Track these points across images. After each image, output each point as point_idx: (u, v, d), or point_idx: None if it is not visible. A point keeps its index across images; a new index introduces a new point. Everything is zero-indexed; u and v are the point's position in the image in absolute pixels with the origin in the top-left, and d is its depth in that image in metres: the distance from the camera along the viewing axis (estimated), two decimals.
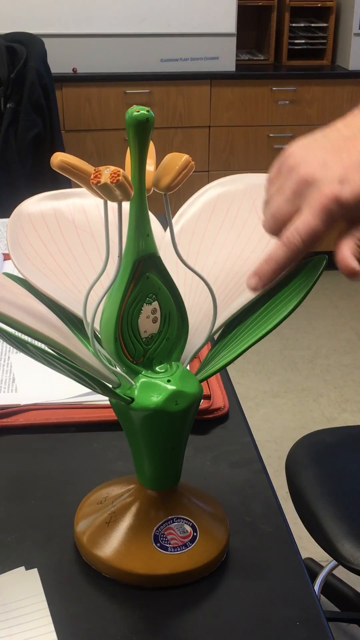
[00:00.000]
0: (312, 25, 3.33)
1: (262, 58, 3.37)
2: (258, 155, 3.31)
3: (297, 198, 0.59)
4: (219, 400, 0.88)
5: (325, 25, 3.30)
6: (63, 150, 2.77)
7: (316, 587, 1.66)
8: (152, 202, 0.60)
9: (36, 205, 0.72)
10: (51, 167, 0.57)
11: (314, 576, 1.68)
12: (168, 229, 0.70)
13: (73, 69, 3.05)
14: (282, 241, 0.59)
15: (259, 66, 3.34)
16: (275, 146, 3.29)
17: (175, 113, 3.17)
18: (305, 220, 0.57)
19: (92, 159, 3.17)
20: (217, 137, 3.25)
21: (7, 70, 2.49)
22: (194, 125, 3.21)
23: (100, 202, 0.61)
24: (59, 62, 2.91)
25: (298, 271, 0.66)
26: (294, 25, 3.29)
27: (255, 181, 0.72)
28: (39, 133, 2.58)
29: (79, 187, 0.60)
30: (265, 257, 0.60)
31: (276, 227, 0.60)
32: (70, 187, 0.80)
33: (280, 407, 2.50)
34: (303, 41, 3.32)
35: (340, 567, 1.61)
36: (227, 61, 3.15)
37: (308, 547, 1.46)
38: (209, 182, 0.73)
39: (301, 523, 1.24)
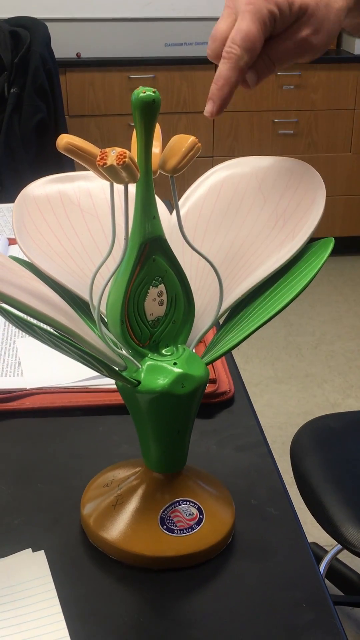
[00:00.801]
0: None
1: None
2: (262, 140, 3.30)
3: (232, 12, 0.60)
4: (225, 384, 0.88)
5: None
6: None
7: (321, 571, 1.66)
8: (157, 186, 0.60)
9: (42, 188, 0.72)
10: (55, 153, 0.58)
11: (318, 560, 1.69)
12: (174, 212, 0.69)
13: (77, 54, 3.04)
14: (222, 56, 0.60)
15: None
16: (280, 131, 3.28)
17: (180, 98, 3.16)
18: (237, 27, 0.59)
19: (96, 144, 3.11)
20: (222, 123, 3.24)
21: (11, 55, 2.48)
22: (198, 110, 3.20)
23: (106, 184, 0.60)
24: (62, 46, 2.90)
25: (304, 254, 0.66)
26: None
27: (261, 164, 0.72)
28: (43, 118, 2.57)
29: (84, 170, 0.60)
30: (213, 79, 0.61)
31: (216, 48, 0.62)
32: (73, 171, 0.79)
33: (285, 392, 2.50)
34: None
35: (344, 551, 1.62)
36: None
37: (312, 532, 1.47)
38: (212, 167, 0.73)
39: (305, 508, 1.25)
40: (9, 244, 1.24)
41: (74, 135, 0.58)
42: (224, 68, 0.60)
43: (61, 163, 2.47)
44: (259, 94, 3.21)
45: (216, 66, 0.64)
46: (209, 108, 0.62)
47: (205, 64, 3.10)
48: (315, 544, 1.75)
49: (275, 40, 0.63)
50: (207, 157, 3.21)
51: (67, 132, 2.70)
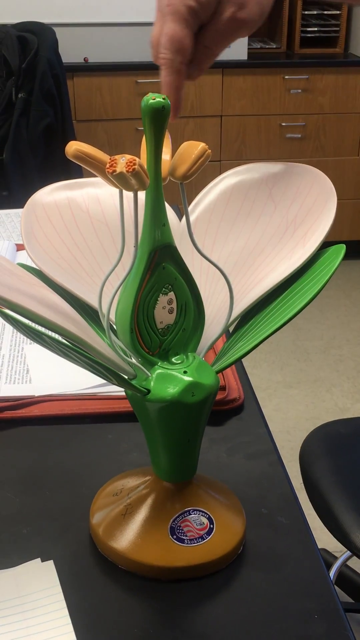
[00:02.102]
0: (325, 12, 3.31)
1: (274, 46, 3.34)
2: (270, 144, 3.29)
3: (160, 15, 0.62)
4: (235, 391, 0.87)
5: (338, 12, 3.27)
6: (75, 140, 2.76)
7: (331, 577, 1.65)
8: (164, 191, 0.60)
9: (50, 195, 0.72)
10: (63, 158, 0.58)
11: (328, 567, 1.68)
12: (184, 219, 0.69)
13: (84, 59, 3.04)
14: (159, 62, 0.62)
15: (271, 54, 3.32)
16: (288, 135, 3.28)
17: (187, 102, 3.16)
18: (164, 31, 0.61)
19: (103, 149, 3.14)
20: (229, 127, 3.24)
21: (19, 60, 2.48)
22: (205, 114, 3.20)
23: (114, 191, 0.60)
24: (70, 51, 2.91)
25: (315, 261, 0.66)
26: (306, 12, 3.27)
27: (271, 170, 0.72)
28: (51, 123, 2.57)
29: (93, 176, 0.60)
30: None
31: (155, 54, 0.64)
32: (81, 177, 0.79)
33: (293, 397, 2.50)
34: (316, 29, 3.29)
35: (354, 557, 1.61)
36: (238, 50, 3.13)
37: (322, 537, 1.46)
38: (221, 172, 0.73)
39: (315, 514, 1.24)
40: (17, 250, 1.24)
41: (82, 140, 0.58)
42: (163, 74, 0.63)
43: (69, 168, 2.47)
44: (266, 97, 3.20)
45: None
46: None
47: (212, 68, 3.10)
48: (325, 550, 1.74)
49: (206, 27, 0.64)
50: (214, 162, 3.21)
51: (74, 137, 2.70)
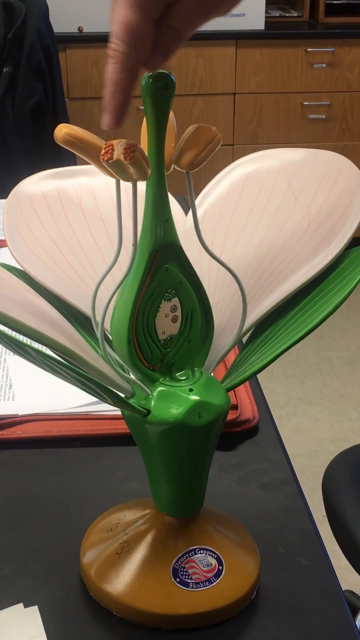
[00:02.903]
0: None
1: (295, 15, 3.35)
2: (290, 126, 3.30)
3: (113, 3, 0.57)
4: (248, 410, 0.87)
5: None
6: (67, 121, 2.78)
7: (357, 623, 1.65)
8: (169, 181, 0.60)
9: (37, 184, 0.72)
10: (53, 141, 0.57)
11: (354, 611, 1.67)
12: (190, 213, 0.69)
13: (79, 28, 3.05)
14: (108, 55, 0.57)
15: (292, 24, 3.33)
16: (310, 116, 3.28)
17: (195, 78, 3.16)
18: (115, 16, 0.56)
19: (99, 131, 3.16)
20: (243, 106, 3.24)
21: (4, 29, 2.49)
22: (216, 92, 3.20)
23: (111, 181, 0.60)
24: (62, 20, 2.92)
25: (341, 262, 0.65)
26: None
27: (291, 157, 0.72)
28: (40, 101, 2.58)
29: (86, 163, 0.60)
30: None
31: None
32: (74, 163, 0.79)
33: (315, 416, 2.49)
34: None
35: None
36: (255, 18, 3.13)
37: (347, 577, 1.46)
38: (233, 157, 0.73)
39: (339, 550, 1.24)
40: (0, 247, 1.24)
41: (75, 120, 0.57)
42: (110, 69, 0.57)
43: (60, 153, 2.48)
44: (285, 73, 3.21)
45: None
46: (104, 120, 0.59)
47: (224, 39, 3.11)
48: (351, 592, 1.74)
49: (172, 6, 0.58)
50: (226, 146, 3.21)
51: (66, 117, 2.71)
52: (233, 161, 0.74)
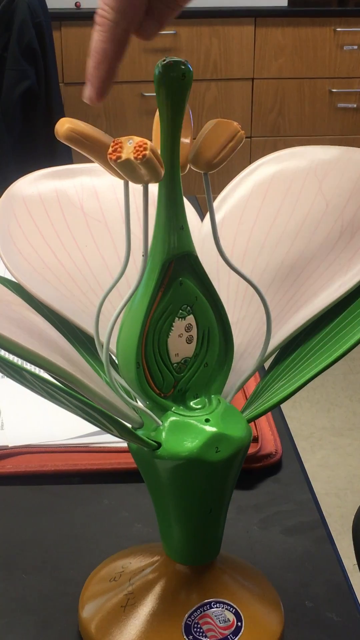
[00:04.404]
0: None
1: None
2: (316, 116, 3.31)
3: None
4: (270, 443, 0.87)
5: None
6: (61, 109, 2.79)
7: None
8: (183, 184, 0.60)
9: (33, 185, 0.72)
10: (46, 132, 0.57)
11: None
12: (207, 219, 0.69)
13: (75, 3, 3.07)
14: (95, 22, 0.58)
15: (319, 0, 3.34)
16: (340, 105, 3.29)
17: (208, 61, 3.18)
18: None
19: (99, 120, 3.19)
20: (263, 93, 3.25)
21: None
22: (232, 77, 3.22)
23: (117, 182, 0.60)
24: None
25: None
26: None
27: (322, 156, 0.72)
28: (31, 87, 2.59)
29: (86, 160, 0.60)
30: None
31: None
32: (70, 159, 0.79)
33: (344, 449, 2.49)
34: None
35: None
36: None
37: None
38: (251, 151, 0.73)
39: None
40: None
41: (71, 108, 0.58)
42: (97, 38, 0.58)
43: (54, 146, 2.49)
44: (311, 55, 3.22)
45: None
46: (87, 93, 0.60)
47: (241, 16, 3.12)
48: None
49: None
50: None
51: (61, 104, 2.72)
52: (250, 155, 0.74)
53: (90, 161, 0.60)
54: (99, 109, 3.12)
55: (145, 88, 3.07)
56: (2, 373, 0.58)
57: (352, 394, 2.73)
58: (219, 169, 0.61)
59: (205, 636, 0.65)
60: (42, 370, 0.55)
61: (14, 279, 0.67)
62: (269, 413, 0.91)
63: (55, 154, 2.48)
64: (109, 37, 0.58)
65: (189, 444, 0.61)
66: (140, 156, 0.55)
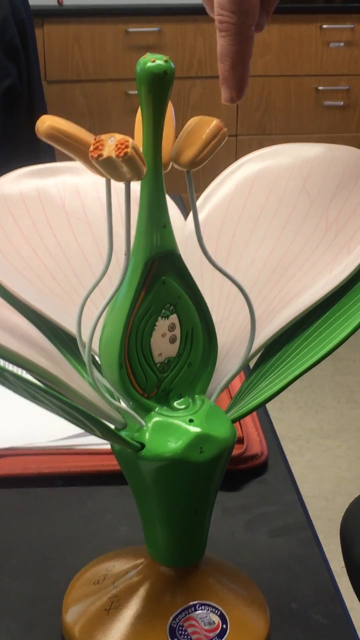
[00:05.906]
0: None
1: None
2: (303, 114, 3.32)
3: None
4: (255, 444, 0.87)
5: None
6: (44, 108, 2.79)
7: None
8: (166, 182, 0.60)
9: (14, 184, 0.72)
10: (28, 131, 0.58)
11: None
12: (190, 217, 0.69)
13: (58, 1, 3.07)
14: (217, 27, 0.61)
15: None
16: (326, 102, 3.30)
17: (193, 58, 3.18)
18: None
19: (82, 119, 3.18)
20: (249, 91, 3.24)
21: None
22: (217, 74, 3.21)
23: (100, 181, 0.61)
24: None
25: None
26: None
27: (306, 153, 0.72)
28: (12, 85, 2.59)
29: (69, 158, 0.60)
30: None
31: (210, 7, 0.63)
32: (53, 157, 0.79)
33: (332, 451, 2.49)
34: None
35: None
36: None
37: None
38: (237, 150, 0.74)
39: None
40: None
41: (54, 107, 0.59)
42: (224, 43, 0.61)
43: (37, 145, 2.48)
44: (297, 53, 3.23)
45: None
46: (226, 95, 0.63)
47: None
48: None
49: None
50: (229, 137, 3.22)
51: (43, 102, 2.72)
52: (236, 154, 0.75)
53: (72, 159, 0.60)
54: (82, 108, 3.12)
55: (129, 86, 3.08)
56: None
57: (340, 396, 2.74)
58: (205, 168, 0.62)
59: (190, 639, 0.65)
60: (23, 371, 0.55)
61: None
62: (255, 414, 0.92)
63: (38, 152, 2.48)
64: (237, 39, 0.61)
65: (173, 445, 0.61)
66: (121, 154, 0.55)
